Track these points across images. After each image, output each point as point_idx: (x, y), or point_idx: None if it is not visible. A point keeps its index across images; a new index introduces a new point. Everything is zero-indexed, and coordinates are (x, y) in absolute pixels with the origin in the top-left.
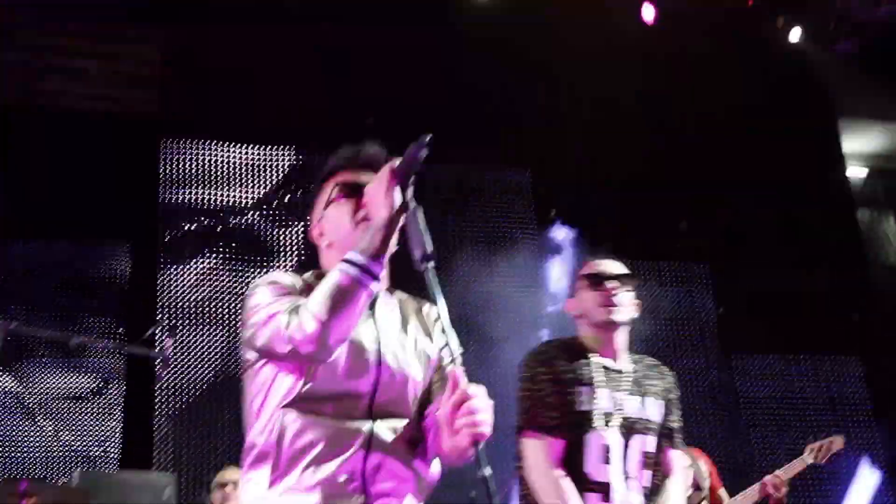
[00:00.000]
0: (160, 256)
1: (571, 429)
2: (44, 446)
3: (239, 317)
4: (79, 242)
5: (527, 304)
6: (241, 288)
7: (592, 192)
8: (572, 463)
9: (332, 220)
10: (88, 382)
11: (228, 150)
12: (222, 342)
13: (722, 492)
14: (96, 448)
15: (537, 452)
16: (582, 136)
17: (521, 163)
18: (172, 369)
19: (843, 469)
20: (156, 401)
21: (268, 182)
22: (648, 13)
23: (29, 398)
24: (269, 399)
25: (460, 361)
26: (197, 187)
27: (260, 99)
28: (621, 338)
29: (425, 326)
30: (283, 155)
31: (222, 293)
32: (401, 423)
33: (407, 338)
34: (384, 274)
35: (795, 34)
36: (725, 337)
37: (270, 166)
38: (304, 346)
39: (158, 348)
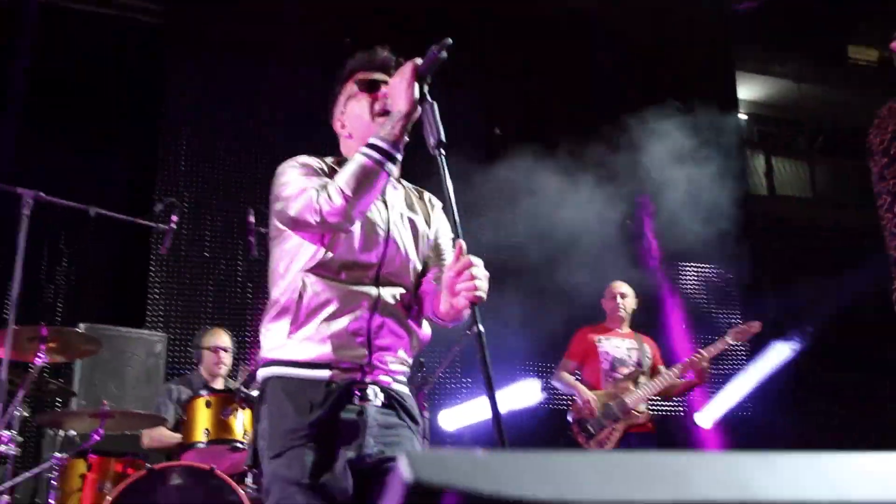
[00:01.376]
0: (160, 150)
1: None
2: (54, 300)
3: (224, 200)
4: (88, 135)
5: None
6: (230, 183)
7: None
8: None
9: (352, 113)
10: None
11: (227, 62)
12: (209, 226)
13: (661, 368)
14: (94, 307)
15: None
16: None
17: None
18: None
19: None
20: (151, 269)
21: (261, 92)
22: None
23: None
24: (293, 263)
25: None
26: (198, 93)
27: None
28: None
29: (426, 211)
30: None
31: (215, 184)
32: (401, 291)
33: (410, 220)
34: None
35: None
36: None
37: (264, 79)
38: (331, 217)
39: (166, 223)
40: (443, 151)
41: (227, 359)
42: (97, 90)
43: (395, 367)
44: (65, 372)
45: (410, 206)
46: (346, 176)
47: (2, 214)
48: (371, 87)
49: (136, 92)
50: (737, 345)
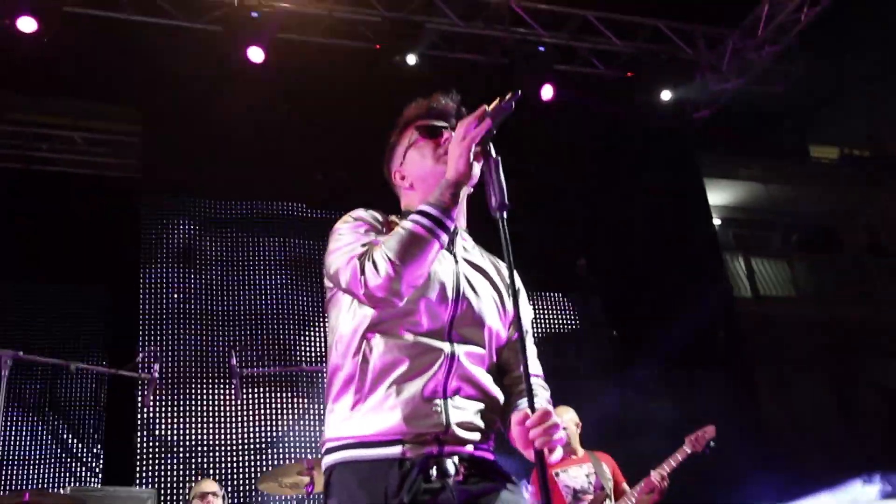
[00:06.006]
0: (142, 297)
1: None
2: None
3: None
4: (67, 285)
5: None
6: (211, 325)
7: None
8: None
9: (413, 162)
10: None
11: (201, 206)
12: (196, 372)
13: (624, 485)
14: (82, 466)
15: None
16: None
17: None
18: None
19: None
20: (138, 422)
21: (234, 233)
22: (547, 93)
23: (27, 421)
24: (351, 321)
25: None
26: (173, 239)
27: (229, 160)
28: None
29: (502, 276)
30: (251, 208)
31: (196, 329)
32: (477, 350)
33: (483, 279)
34: (461, 220)
35: (666, 95)
36: (619, 356)
37: (238, 219)
38: (378, 291)
39: (147, 372)
40: (504, 214)
41: (216, 501)
42: (76, 246)
43: (477, 435)
44: None
45: (482, 265)
46: (392, 243)
47: None
48: (432, 133)
49: (114, 245)
50: (698, 452)
